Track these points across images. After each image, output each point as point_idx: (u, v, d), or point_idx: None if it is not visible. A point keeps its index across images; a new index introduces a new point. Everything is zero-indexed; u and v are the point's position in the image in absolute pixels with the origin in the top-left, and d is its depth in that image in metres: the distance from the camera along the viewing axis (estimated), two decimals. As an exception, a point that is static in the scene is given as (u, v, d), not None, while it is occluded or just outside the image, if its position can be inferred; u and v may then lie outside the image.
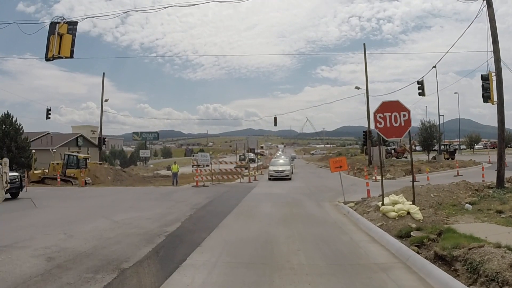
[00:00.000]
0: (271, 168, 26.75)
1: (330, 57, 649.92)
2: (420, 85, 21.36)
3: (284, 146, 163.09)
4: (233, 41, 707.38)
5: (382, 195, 10.14)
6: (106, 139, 40.39)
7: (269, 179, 25.46)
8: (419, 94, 21.27)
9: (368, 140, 31.32)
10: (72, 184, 25.51)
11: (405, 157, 44.21)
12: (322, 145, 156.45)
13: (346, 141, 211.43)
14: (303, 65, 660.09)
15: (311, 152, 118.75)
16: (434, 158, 33.38)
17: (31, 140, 46.80)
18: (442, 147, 34.43)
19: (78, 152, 30.85)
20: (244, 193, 16.87)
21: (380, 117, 10.21)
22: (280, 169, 25.96)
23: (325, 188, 19.29)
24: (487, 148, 68.08)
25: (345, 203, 13.15)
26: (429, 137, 30.89)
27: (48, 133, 51.97)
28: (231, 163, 28.18)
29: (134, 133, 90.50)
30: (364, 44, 32.52)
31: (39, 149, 41.09)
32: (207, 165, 24.80)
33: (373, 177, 24.12)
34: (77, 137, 52.43)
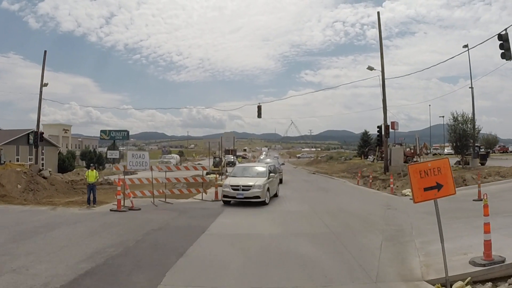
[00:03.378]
0: (227, 182, 14.29)
1: (314, 61, 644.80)
2: (502, 42, 12.36)
3: (268, 149, 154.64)
4: (217, 44, 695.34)
5: None
6: (44, 133, 31.41)
7: (224, 202, 13.81)
8: (502, 56, 12.55)
9: (384, 139, 23.29)
10: None
11: (415, 161, 37.05)
12: (308, 149, 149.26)
13: (330, 145, 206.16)
14: (287, 69, 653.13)
15: (298, 155, 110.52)
16: (462, 162, 25.53)
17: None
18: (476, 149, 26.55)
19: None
20: (194, 235, 8.15)
21: None
22: (248, 183, 13.47)
23: (350, 216, 10.68)
24: (494, 152, 62.45)
25: (449, 284, 4.74)
26: (465, 135, 22.85)
27: (-3, 129, 43.06)
28: (204, 168, 18.90)
29: (102, 131, 80.00)
30: (378, 13, 24.78)
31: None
32: (162, 170, 14.88)
33: (402, 192, 16.40)
34: (28, 134, 43.29)
